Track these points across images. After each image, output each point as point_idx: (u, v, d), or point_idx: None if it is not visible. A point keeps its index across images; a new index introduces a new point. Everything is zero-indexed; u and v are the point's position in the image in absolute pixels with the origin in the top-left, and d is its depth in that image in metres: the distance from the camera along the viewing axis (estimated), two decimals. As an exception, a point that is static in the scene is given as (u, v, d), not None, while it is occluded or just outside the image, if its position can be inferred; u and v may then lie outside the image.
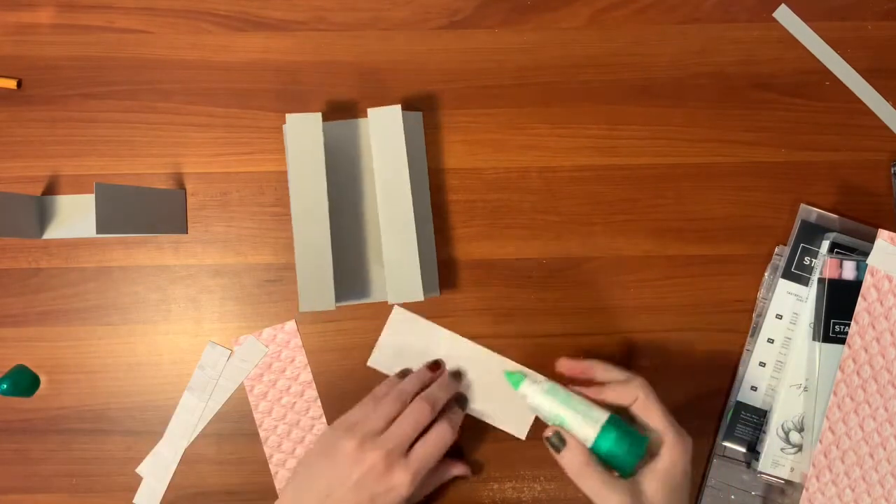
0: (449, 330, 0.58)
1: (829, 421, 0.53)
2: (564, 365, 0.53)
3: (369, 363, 0.57)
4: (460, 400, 0.57)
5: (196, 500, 0.57)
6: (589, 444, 0.47)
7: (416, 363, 0.57)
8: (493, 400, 0.57)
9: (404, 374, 0.56)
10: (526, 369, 0.57)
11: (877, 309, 0.54)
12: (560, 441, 0.47)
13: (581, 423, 0.47)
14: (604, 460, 0.46)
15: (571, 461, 0.46)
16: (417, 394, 0.52)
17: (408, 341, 0.57)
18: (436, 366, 0.56)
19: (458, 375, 0.57)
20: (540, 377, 0.52)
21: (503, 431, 0.57)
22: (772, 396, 0.56)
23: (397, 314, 0.58)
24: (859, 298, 0.54)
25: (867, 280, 0.54)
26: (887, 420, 0.53)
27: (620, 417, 0.48)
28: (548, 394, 0.49)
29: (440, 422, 0.51)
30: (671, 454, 0.46)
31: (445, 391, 0.53)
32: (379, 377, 0.57)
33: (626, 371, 0.51)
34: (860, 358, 0.53)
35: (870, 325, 0.54)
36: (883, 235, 0.54)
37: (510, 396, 0.55)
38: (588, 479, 0.46)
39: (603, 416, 0.47)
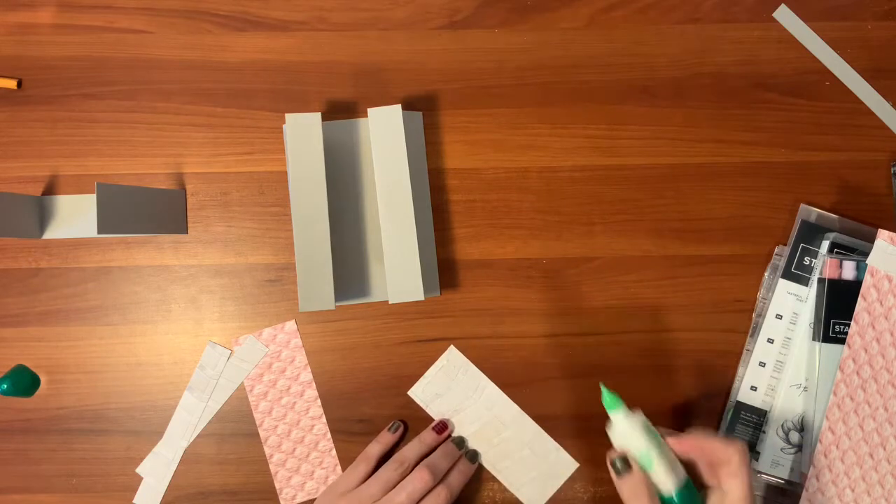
0: (495, 384, 0.57)
1: (829, 421, 0.53)
2: (676, 445, 0.50)
3: (409, 392, 0.57)
4: (472, 455, 0.56)
5: (196, 500, 0.57)
6: (663, 490, 0.47)
7: (449, 411, 0.57)
8: (517, 464, 0.57)
9: (395, 429, 0.56)
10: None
11: (877, 309, 0.54)
12: (625, 466, 0.48)
13: (665, 470, 0.47)
14: None
15: (632, 487, 0.47)
16: (420, 457, 0.53)
17: (450, 386, 0.57)
18: (442, 427, 0.56)
19: (461, 442, 0.56)
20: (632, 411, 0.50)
21: (517, 498, 0.56)
22: (772, 396, 0.56)
23: (452, 353, 0.57)
24: (859, 298, 0.54)
25: (867, 280, 0.54)
26: (887, 420, 0.53)
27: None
28: (645, 430, 0.48)
29: (438, 487, 0.51)
30: None
31: (448, 459, 0.54)
32: (413, 406, 0.57)
33: (724, 438, 0.49)
34: (860, 358, 0.53)
35: (870, 325, 0.54)
36: (883, 235, 0.54)
37: (536, 464, 0.56)
38: (642, 500, 0.46)
39: (683, 474, 0.47)
